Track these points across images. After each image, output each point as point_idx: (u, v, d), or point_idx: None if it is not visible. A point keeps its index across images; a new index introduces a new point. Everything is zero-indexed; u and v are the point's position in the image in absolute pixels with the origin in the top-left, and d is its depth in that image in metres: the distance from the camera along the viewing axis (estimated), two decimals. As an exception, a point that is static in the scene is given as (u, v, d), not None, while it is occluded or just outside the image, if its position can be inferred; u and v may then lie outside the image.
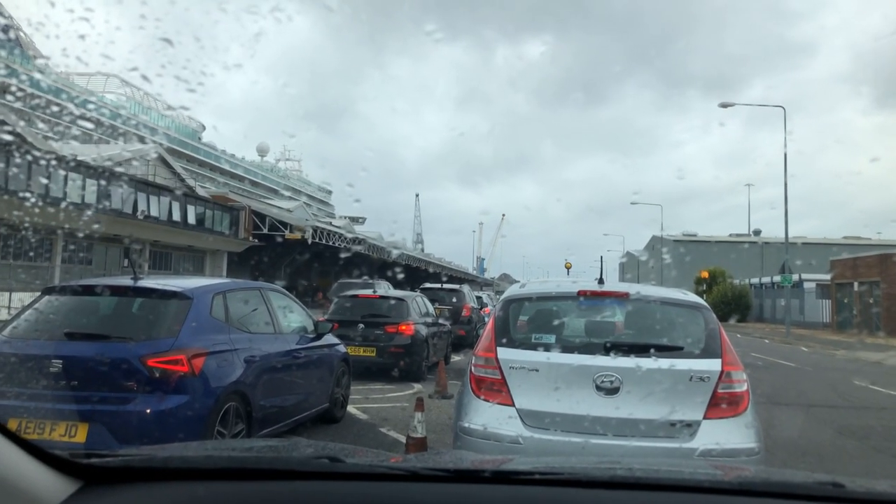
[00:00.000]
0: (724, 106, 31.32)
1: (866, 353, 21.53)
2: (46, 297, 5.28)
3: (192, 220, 33.78)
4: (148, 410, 4.49)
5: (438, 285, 18.79)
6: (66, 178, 25.52)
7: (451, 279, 51.65)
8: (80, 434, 4.41)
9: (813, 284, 42.44)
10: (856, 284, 35.76)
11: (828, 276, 39.68)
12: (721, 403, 3.97)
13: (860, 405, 10.42)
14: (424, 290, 16.67)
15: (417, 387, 10.04)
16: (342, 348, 7.74)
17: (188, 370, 4.69)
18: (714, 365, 4.05)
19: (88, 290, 5.34)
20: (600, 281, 4.63)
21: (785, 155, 29.86)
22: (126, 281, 5.33)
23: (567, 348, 4.25)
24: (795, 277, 37.10)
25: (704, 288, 48.96)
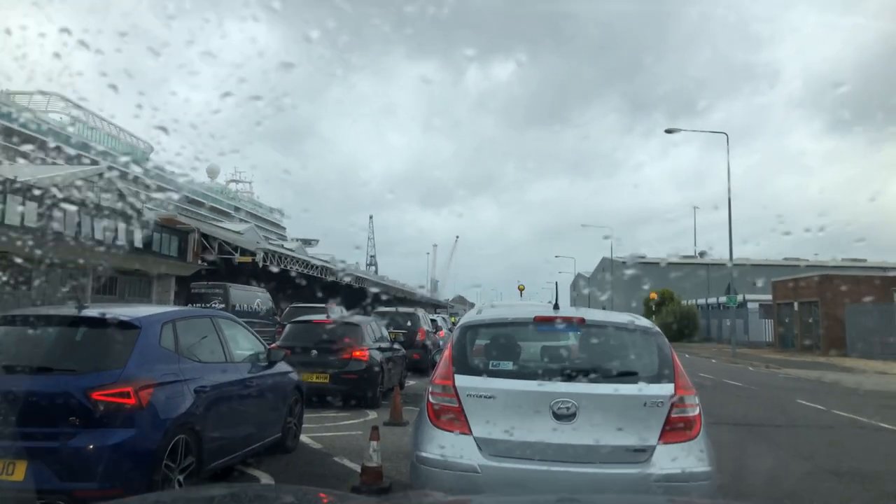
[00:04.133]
0: (670, 132, 32.33)
1: (807, 372, 22.26)
2: (-17, 328, 5.04)
3: (138, 243, 32.87)
4: (91, 446, 4.30)
5: (393, 309, 18.70)
6: (3, 198, 24.61)
7: (406, 302, 51.44)
8: (18, 472, 4.19)
9: (756, 305, 43.82)
10: (796, 305, 37.06)
11: (770, 297, 41.04)
12: (675, 428, 4.03)
13: (805, 424, 10.73)
14: (379, 314, 16.55)
15: (372, 414, 9.91)
16: (295, 376, 7.59)
17: (135, 403, 4.52)
18: (667, 389, 4.12)
19: (29, 321, 5.13)
20: (556, 306, 4.68)
21: (728, 179, 31.04)
22: (70, 310, 5.14)
23: (524, 375, 4.27)
24: (740, 298, 38.25)
25: (654, 309, 50.02)
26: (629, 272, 70.37)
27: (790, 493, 6.17)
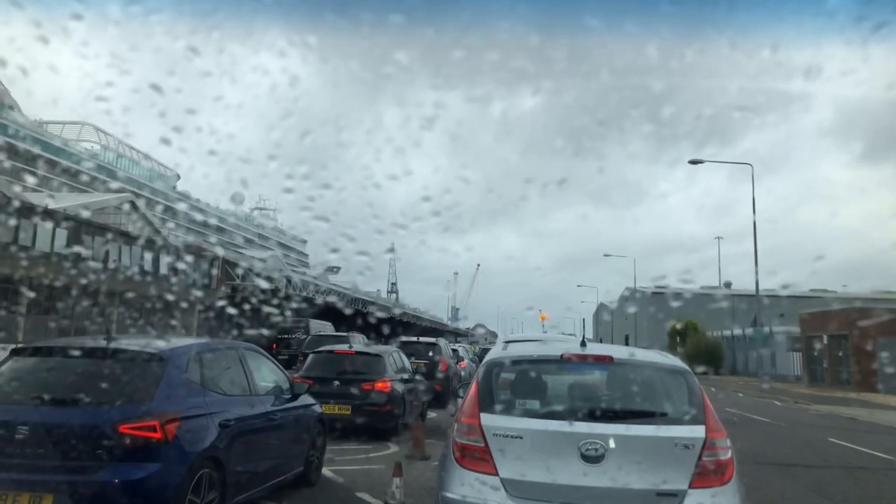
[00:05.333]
0: (694, 163, 32.17)
1: (839, 408, 21.70)
2: (13, 359, 5.11)
3: (164, 270, 33.33)
4: (116, 480, 4.31)
5: (415, 338, 18.63)
6: (35, 226, 25.14)
7: (426, 330, 51.33)
8: (45, 506, 4.21)
9: (783, 337, 42.98)
10: (825, 338, 36.30)
11: (797, 328, 40.25)
12: (706, 472, 3.94)
13: (837, 464, 10.43)
14: (401, 344, 16.51)
15: (394, 446, 9.83)
16: (318, 408, 7.57)
17: (161, 436, 4.53)
18: (698, 432, 4.04)
19: (58, 352, 5.19)
20: (583, 343, 4.63)
21: (753, 209, 30.72)
22: (98, 342, 5.19)
23: (551, 415, 4.21)
24: (767, 330, 37.57)
25: (678, 340, 49.31)
26: (653, 302, 69.62)
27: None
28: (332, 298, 44.35)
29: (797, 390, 31.35)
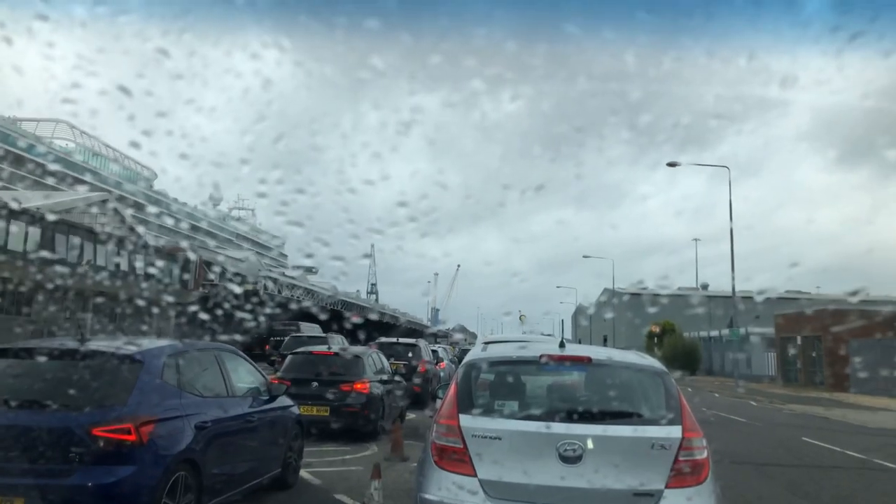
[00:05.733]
0: (672, 165, 32.52)
1: (812, 408, 22.04)
2: (-16, 361, 5.00)
3: (139, 270, 32.90)
4: (90, 483, 4.24)
5: (394, 339, 18.59)
6: (6, 225, 24.70)
7: (406, 331, 51.24)
8: (15, 510, 4.13)
9: (759, 339, 43.52)
10: (799, 339, 36.85)
11: (772, 330, 40.81)
12: (682, 472, 3.97)
13: (811, 464, 10.58)
14: (380, 345, 16.46)
15: (372, 447, 9.79)
16: (295, 410, 7.51)
17: (136, 439, 4.47)
18: (675, 432, 4.07)
19: (30, 354, 5.09)
20: (561, 344, 4.65)
21: (730, 212, 31.10)
22: (71, 343, 5.11)
23: (530, 416, 4.22)
24: (742, 331, 38.03)
25: (655, 341, 49.74)
26: (631, 303, 70.14)
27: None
28: (308, 301, 44.12)
29: (772, 391, 31.78)
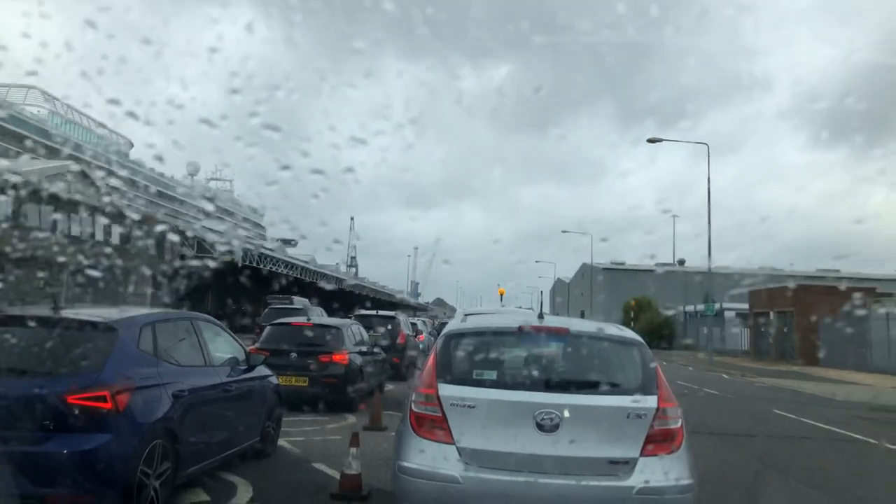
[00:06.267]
0: (652, 141, 32.57)
1: (783, 381, 22.53)
2: (-45, 328, 4.91)
3: (115, 240, 32.44)
4: (65, 451, 4.22)
5: (374, 312, 18.60)
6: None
7: (386, 305, 51.31)
8: (-10, 477, 4.09)
9: (733, 314, 44.28)
10: (772, 314, 37.52)
11: (746, 306, 41.51)
12: (657, 440, 4.04)
13: (780, 434, 10.84)
14: (359, 317, 16.47)
15: (351, 418, 9.84)
16: (274, 379, 7.51)
17: (112, 407, 4.44)
18: (650, 402, 4.13)
19: (3, 322, 5.01)
20: (540, 316, 4.68)
21: (708, 188, 31.31)
22: (45, 310, 5.04)
23: (508, 385, 4.26)
24: (718, 307, 38.61)
25: (633, 316, 50.38)
26: (609, 279, 70.78)
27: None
28: (290, 272, 43.90)
29: (744, 364, 32.40)
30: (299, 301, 29.16)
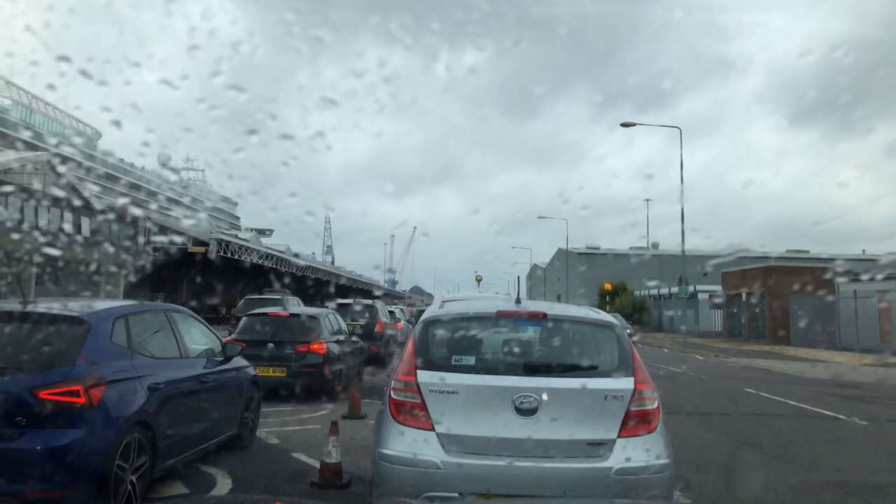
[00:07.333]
0: (626, 125, 32.73)
1: (755, 360, 22.96)
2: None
3: (86, 232, 31.87)
4: (38, 447, 4.15)
5: (351, 300, 18.54)
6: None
7: (362, 293, 51.17)
8: (-39, 475, 4.01)
9: (706, 295, 44.92)
10: (744, 295, 38.13)
11: (720, 288, 42.13)
12: (634, 421, 4.09)
13: (752, 412, 11.07)
14: (338, 306, 16.40)
15: (330, 407, 9.83)
16: (251, 370, 7.46)
17: (85, 401, 4.37)
18: (627, 383, 4.18)
19: (-30, 316, 4.89)
20: (517, 301, 4.70)
21: (681, 171, 31.67)
22: (13, 304, 4.93)
23: (486, 370, 4.27)
24: (691, 289, 39.15)
25: (608, 299, 50.87)
26: (584, 263, 71.37)
27: (741, 482, 6.35)
28: (265, 262, 43.51)
29: (717, 345, 32.94)
30: (276, 291, 29.07)
